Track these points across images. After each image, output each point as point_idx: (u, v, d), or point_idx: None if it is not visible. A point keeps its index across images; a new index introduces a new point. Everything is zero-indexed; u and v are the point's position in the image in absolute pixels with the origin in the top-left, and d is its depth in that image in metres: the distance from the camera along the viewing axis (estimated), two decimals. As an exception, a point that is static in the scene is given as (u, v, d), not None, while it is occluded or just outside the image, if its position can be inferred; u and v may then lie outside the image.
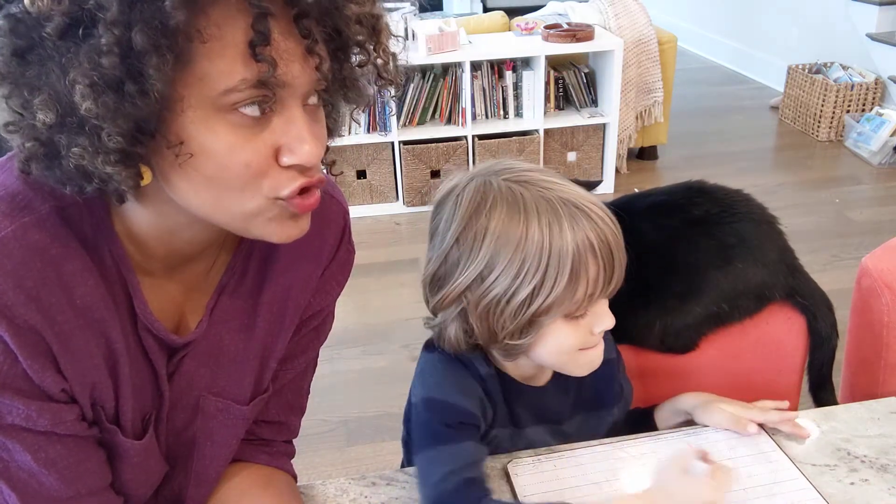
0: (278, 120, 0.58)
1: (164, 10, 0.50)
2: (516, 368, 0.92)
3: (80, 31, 0.51)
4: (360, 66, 0.65)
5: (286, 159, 0.59)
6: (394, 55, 0.67)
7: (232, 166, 0.57)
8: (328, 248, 0.81)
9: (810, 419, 0.98)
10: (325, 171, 0.74)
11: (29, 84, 0.53)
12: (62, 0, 0.50)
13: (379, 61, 0.65)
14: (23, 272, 0.59)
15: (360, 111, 0.71)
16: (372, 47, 0.64)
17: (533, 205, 0.79)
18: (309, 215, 0.66)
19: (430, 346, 0.92)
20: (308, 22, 0.56)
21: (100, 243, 0.65)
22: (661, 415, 1.03)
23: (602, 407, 0.98)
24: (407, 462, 1.00)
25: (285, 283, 0.78)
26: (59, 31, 0.51)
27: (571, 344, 0.84)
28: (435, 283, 0.85)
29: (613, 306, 0.86)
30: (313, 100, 0.62)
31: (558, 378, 0.94)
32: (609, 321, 0.84)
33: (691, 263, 1.11)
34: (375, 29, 0.63)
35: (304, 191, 0.62)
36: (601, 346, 0.87)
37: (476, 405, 0.86)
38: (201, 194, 0.60)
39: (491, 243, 0.79)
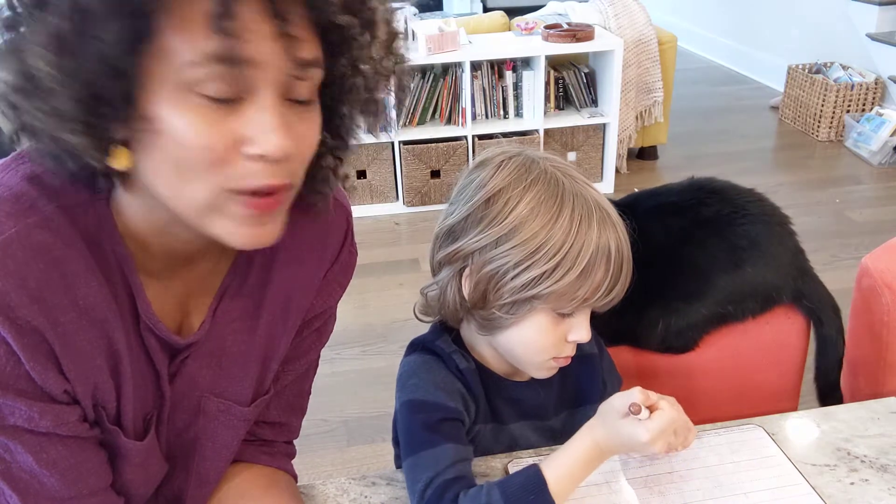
0: (249, 108, 0.56)
1: None
2: (498, 362, 0.92)
3: None
4: (354, 63, 0.60)
5: (249, 149, 0.56)
6: (395, 52, 0.63)
7: (192, 148, 0.56)
8: (331, 251, 0.81)
9: (810, 419, 0.99)
10: (339, 184, 0.73)
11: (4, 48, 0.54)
12: None
13: (374, 56, 0.60)
14: (26, 273, 0.59)
15: (371, 120, 0.68)
16: (367, 41, 0.59)
17: (571, 195, 0.81)
18: (277, 222, 0.62)
19: (409, 350, 0.93)
20: (284, 3, 0.54)
21: (103, 244, 0.65)
22: None
23: (586, 402, 0.98)
24: (396, 460, 1.00)
25: (288, 285, 0.78)
26: None
27: (544, 341, 0.85)
28: (449, 235, 0.86)
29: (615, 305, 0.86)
30: (302, 95, 0.59)
31: None
32: (585, 335, 0.86)
33: (699, 265, 1.10)
34: (368, 20, 0.59)
35: (265, 194, 0.58)
36: (566, 360, 0.88)
37: (457, 399, 0.87)
38: (163, 178, 0.58)
39: (520, 214, 0.80)
